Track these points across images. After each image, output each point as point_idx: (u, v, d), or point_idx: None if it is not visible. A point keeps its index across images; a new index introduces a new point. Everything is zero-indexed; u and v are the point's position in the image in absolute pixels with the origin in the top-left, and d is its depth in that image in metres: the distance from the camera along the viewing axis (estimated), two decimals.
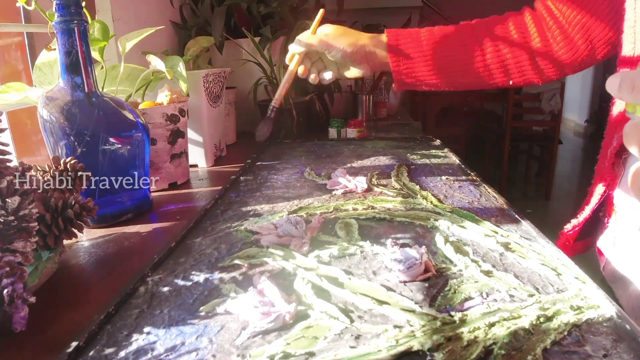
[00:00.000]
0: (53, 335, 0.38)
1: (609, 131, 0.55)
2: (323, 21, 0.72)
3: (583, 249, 0.60)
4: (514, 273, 0.42)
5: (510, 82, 0.65)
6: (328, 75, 0.71)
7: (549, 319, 0.35)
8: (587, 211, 0.56)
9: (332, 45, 0.66)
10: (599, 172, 0.56)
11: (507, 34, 0.62)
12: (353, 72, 0.70)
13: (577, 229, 0.58)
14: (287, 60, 0.71)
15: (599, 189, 0.54)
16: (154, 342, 0.34)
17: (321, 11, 0.71)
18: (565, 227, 0.59)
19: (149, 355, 0.33)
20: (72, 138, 0.58)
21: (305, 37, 0.69)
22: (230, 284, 0.42)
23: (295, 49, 0.69)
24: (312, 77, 0.71)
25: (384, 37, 0.67)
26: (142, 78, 0.77)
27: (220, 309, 0.38)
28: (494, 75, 0.64)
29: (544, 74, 0.63)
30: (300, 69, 0.70)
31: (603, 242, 0.56)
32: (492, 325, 0.34)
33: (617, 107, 0.53)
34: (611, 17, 0.55)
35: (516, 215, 0.56)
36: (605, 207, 0.56)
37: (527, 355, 0.31)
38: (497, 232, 0.51)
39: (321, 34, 0.68)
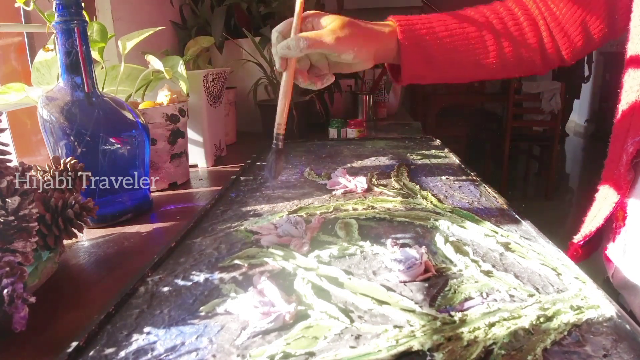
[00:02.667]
0: (53, 335, 0.38)
1: (618, 135, 0.52)
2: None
3: (587, 254, 0.59)
4: (514, 273, 0.42)
5: (517, 75, 0.65)
6: (331, 79, 0.57)
7: (549, 319, 0.35)
8: (599, 219, 0.54)
9: (346, 48, 0.51)
10: (608, 178, 0.53)
11: (506, 30, 0.59)
12: (353, 69, 0.58)
13: (587, 238, 0.56)
14: (277, 67, 0.52)
15: (612, 196, 0.52)
16: (154, 342, 0.34)
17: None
18: (575, 237, 0.58)
19: (149, 355, 0.33)
20: (72, 138, 0.58)
21: (305, 33, 0.50)
22: (230, 284, 0.42)
23: (289, 52, 0.49)
24: (316, 84, 0.56)
25: (396, 34, 0.56)
26: (142, 78, 0.77)
27: (220, 309, 0.38)
28: (502, 70, 0.61)
29: (547, 66, 0.62)
30: (300, 80, 0.53)
31: (612, 250, 0.55)
32: (492, 325, 0.34)
33: (625, 110, 0.51)
34: (605, 8, 0.55)
35: (516, 215, 0.56)
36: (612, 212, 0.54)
37: (527, 355, 0.31)
38: (497, 232, 0.51)
39: (326, 30, 0.51)
